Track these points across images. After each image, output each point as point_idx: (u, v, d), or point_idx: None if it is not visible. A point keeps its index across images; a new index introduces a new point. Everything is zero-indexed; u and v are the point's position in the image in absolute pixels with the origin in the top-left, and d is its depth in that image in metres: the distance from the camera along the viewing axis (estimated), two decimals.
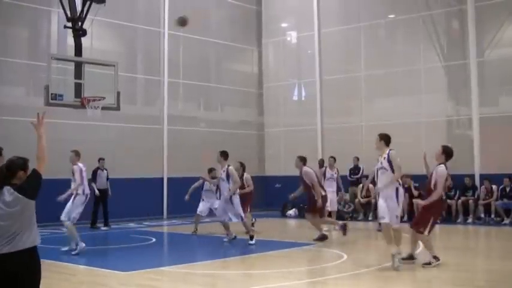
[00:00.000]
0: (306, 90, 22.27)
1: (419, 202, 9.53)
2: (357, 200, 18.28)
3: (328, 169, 15.20)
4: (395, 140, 18.90)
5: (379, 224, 14.10)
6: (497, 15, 17.72)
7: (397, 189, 8.90)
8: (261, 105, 23.01)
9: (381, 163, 9.06)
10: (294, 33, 22.74)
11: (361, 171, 18.91)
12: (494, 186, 16.39)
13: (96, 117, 14.29)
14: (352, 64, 20.84)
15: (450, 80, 18.91)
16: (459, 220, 16.44)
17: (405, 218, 14.62)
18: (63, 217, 10.77)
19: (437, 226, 16.05)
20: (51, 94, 12.89)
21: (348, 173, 18.89)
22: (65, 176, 11.41)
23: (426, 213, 9.05)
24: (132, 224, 17.07)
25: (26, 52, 17.23)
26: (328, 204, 14.71)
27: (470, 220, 16.41)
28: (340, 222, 12.99)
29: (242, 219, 12.20)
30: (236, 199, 12.28)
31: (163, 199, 19.19)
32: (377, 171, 9.18)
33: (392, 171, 8.88)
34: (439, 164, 9.16)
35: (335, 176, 15.04)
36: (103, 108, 13.87)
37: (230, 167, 12.34)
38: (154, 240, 13.38)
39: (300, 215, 19.20)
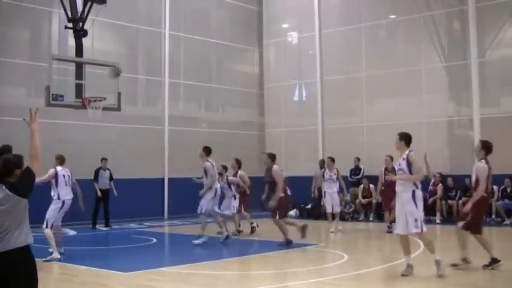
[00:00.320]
0: (307, 91, 22.26)
1: (466, 203, 9.09)
2: (357, 201, 18.27)
3: (327, 170, 14.98)
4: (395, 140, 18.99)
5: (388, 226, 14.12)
6: (498, 15, 17.71)
7: (413, 192, 8.34)
8: (261, 106, 23.01)
9: (399, 164, 8.62)
10: (294, 33, 22.74)
11: (362, 171, 18.91)
12: (495, 187, 16.37)
13: (97, 118, 14.31)
14: (353, 65, 20.83)
15: (451, 80, 18.89)
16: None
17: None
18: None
19: (437, 226, 16.12)
20: (52, 95, 12.92)
21: (348, 174, 18.90)
22: None
23: (475, 212, 8.75)
24: (132, 225, 17.07)
25: (26, 53, 17.25)
26: (327, 205, 14.69)
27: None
28: (302, 224, 12.44)
29: (210, 215, 12.27)
30: (208, 195, 12.28)
31: (164, 199, 19.19)
32: (397, 172, 8.84)
33: (411, 173, 8.40)
34: (480, 159, 9.13)
35: (334, 177, 14.74)
36: (104, 108, 13.89)
37: (206, 163, 12.34)
38: (155, 240, 13.38)
39: (301, 216, 19.23)
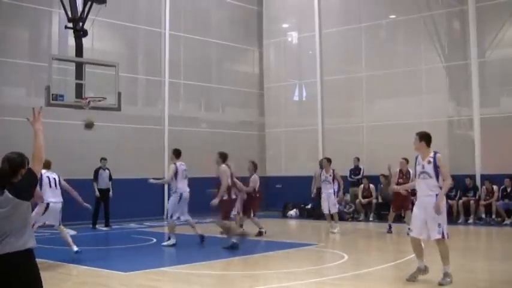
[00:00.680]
0: (307, 91, 22.27)
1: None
2: (357, 201, 18.28)
3: (323, 171, 14.83)
4: (396, 140, 19.09)
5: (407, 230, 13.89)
6: (498, 15, 17.71)
7: (437, 195, 7.74)
8: (261, 106, 23.01)
9: (423, 167, 7.86)
10: (294, 33, 22.75)
11: (361, 171, 18.92)
12: (495, 187, 16.39)
13: (97, 118, 14.33)
14: (353, 65, 20.84)
15: (451, 80, 18.90)
16: (460, 221, 16.43)
17: None
18: None
19: None
20: (52, 94, 12.91)
21: (348, 174, 18.91)
22: (66, 176, 11.38)
23: None
24: (132, 225, 17.07)
25: (26, 53, 17.25)
26: (324, 205, 14.62)
27: (471, 220, 16.41)
28: (241, 230, 12.22)
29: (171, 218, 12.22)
30: (173, 198, 12.42)
31: (164, 200, 19.17)
32: (417, 175, 8.00)
33: (437, 177, 7.75)
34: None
35: (330, 178, 14.56)
36: (104, 108, 13.89)
37: (172, 164, 12.48)
38: (155, 240, 13.38)
39: (301, 216, 19.24)
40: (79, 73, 13.81)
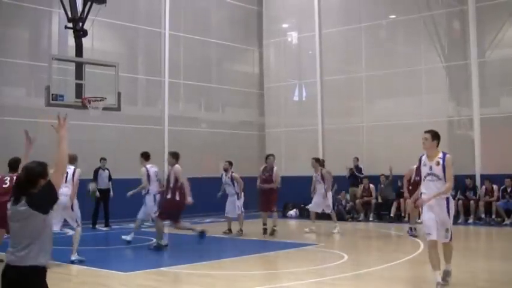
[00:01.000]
0: (307, 91, 22.27)
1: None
2: (358, 201, 18.28)
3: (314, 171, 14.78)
4: (396, 140, 19.08)
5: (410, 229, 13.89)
6: (498, 15, 17.71)
7: (447, 199, 7.39)
8: (261, 106, 23.01)
9: (430, 168, 7.41)
10: (294, 33, 22.75)
11: (361, 171, 18.91)
12: (495, 186, 16.38)
13: (97, 118, 14.32)
14: (353, 65, 20.84)
15: (451, 80, 18.90)
16: (460, 220, 16.41)
17: None
18: None
19: None
20: (52, 95, 12.92)
21: (348, 174, 18.91)
22: None
23: None
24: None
25: (26, 53, 17.25)
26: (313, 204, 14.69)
27: (471, 220, 16.40)
28: (199, 228, 11.93)
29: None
30: (149, 201, 12.53)
31: None
32: (423, 177, 7.52)
33: (445, 179, 7.35)
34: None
35: (319, 177, 14.49)
36: (104, 108, 13.88)
37: (142, 168, 12.48)
38: (155, 240, 13.36)
39: (301, 216, 19.22)
40: (79, 73, 13.81)
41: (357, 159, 18.95)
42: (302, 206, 19.55)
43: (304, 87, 22.36)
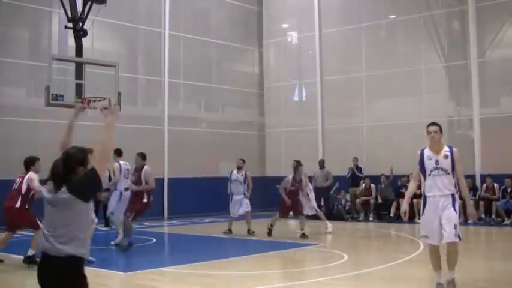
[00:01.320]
0: (307, 91, 22.27)
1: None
2: (358, 201, 18.28)
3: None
4: (396, 140, 19.05)
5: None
6: (498, 15, 17.72)
7: (453, 195, 6.96)
8: (261, 106, 23.01)
9: (437, 162, 6.94)
10: (294, 33, 22.75)
11: (361, 171, 18.91)
12: (496, 185, 16.36)
13: (96, 118, 14.28)
14: (353, 65, 20.84)
15: (451, 80, 18.90)
16: (460, 220, 16.30)
17: None
18: None
19: None
20: (52, 94, 12.90)
21: (347, 173, 18.92)
22: None
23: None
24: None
25: (26, 53, 17.25)
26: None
27: (471, 221, 16.38)
28: (128, 241, 11.56)
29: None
30: (114, 197, 12.39)
31: (163, 200, 19.17)
32: (428, 172, 7.03)
33: (453, 174, 6.95)
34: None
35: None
36: (104, 108, 13.84)
37: (115, 163, 12.46)
38: (154, 240, 13.38)
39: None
40: (79, 73, 13.80)
41: (356, 159, 18.95)
42: None
43: (304, 87, 22.36)
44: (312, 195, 14.56)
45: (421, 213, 7.14)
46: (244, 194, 13.99)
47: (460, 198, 7.18)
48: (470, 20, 17.81)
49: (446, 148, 7.04)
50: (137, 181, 11.67)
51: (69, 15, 14.49)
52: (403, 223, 15.77)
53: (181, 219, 17.91)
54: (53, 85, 13.17)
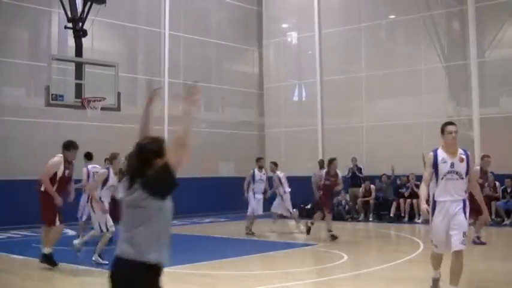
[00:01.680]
0: (307, 91, 22.27)
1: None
2: (359, 200, 18.28)
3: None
4: (396, 140, 19.05)
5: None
6: (497, 15, 17.73)
7: (464, 201, 6.52)
8: (261, 106, 23.01)
9: (452, 165, 6.44)
10: (294, 33, 22.75)
11: (361, 171, 18.91)
12: (497, 183, 16.35)
13: (96, 118, 14.32)
14: (353, 65, 20.85)
15: (451, 80, 18.91)
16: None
17: None
18: None
19: None
20: (52, 94, 12.92)
21: (347, 173, 18.91)
22: None
23: None
24: None
25: (26, 53, 17.25)
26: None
27: (471, 221, 16.37)
28: (80, 246, 10.94)
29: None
30: (82, 198, 12.07)
31: None
32: (441, 176, 6.52)
33: (466, 178, 6.54)
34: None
35: (276, 180, 14.74)
36: (103, 108, 13.88)
37: (84, 169, 12.13)
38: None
39: (301, 216, 19.20)
40: (79, 73, 13.82)
41: (355, 159, 18.95)
42: (302, 206, 19.54)
43: (304, 87, 22.36)
44: (287, 196, 14.60)
45: (429, 219, 6.69)
46: (264, 193, 14.24)
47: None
48: (469, 20, 17.82)
49: (461, 151, 6.57)
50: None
51: (69, 15, 14.50)
52: (403, 223, 15.80)
53: (181, 219, 17.88)
54: (53, 85, 13.20)
